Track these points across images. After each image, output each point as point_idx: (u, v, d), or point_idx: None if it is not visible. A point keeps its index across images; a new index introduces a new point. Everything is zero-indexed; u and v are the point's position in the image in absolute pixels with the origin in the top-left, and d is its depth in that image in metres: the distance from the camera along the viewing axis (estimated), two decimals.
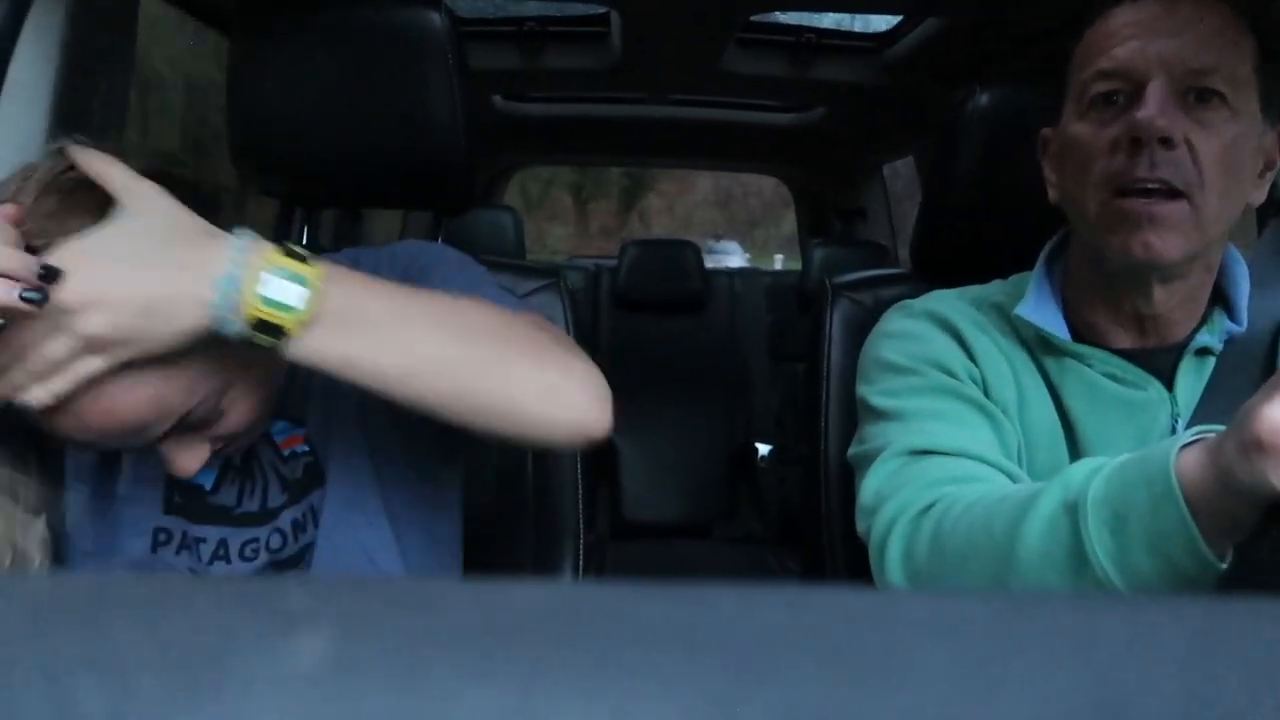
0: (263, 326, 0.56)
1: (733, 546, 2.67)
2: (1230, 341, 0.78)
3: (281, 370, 0.73)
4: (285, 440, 0.78)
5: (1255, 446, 0.49)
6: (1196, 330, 0.78)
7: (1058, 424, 0.79)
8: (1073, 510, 0.59)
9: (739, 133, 2.75)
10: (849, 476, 1.13)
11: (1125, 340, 0.79)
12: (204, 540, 0.75)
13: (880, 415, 0.81)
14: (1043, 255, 0.86)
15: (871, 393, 0.83)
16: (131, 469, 0.75)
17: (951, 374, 0.80)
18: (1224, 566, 0.54)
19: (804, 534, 1.17)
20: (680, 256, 3.01)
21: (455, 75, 0.94)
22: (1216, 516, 0.53)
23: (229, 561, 0.76)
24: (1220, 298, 0.80)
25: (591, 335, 2.95)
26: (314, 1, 0.95)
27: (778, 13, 1.94)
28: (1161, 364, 0.78)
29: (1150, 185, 0.69)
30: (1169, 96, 0.70)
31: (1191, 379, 0.77)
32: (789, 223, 3.71)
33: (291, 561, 0.77)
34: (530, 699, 0.15)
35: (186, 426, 0.65)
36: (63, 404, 0.57)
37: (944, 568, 0.67)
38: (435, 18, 0.93)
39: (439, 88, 0.94)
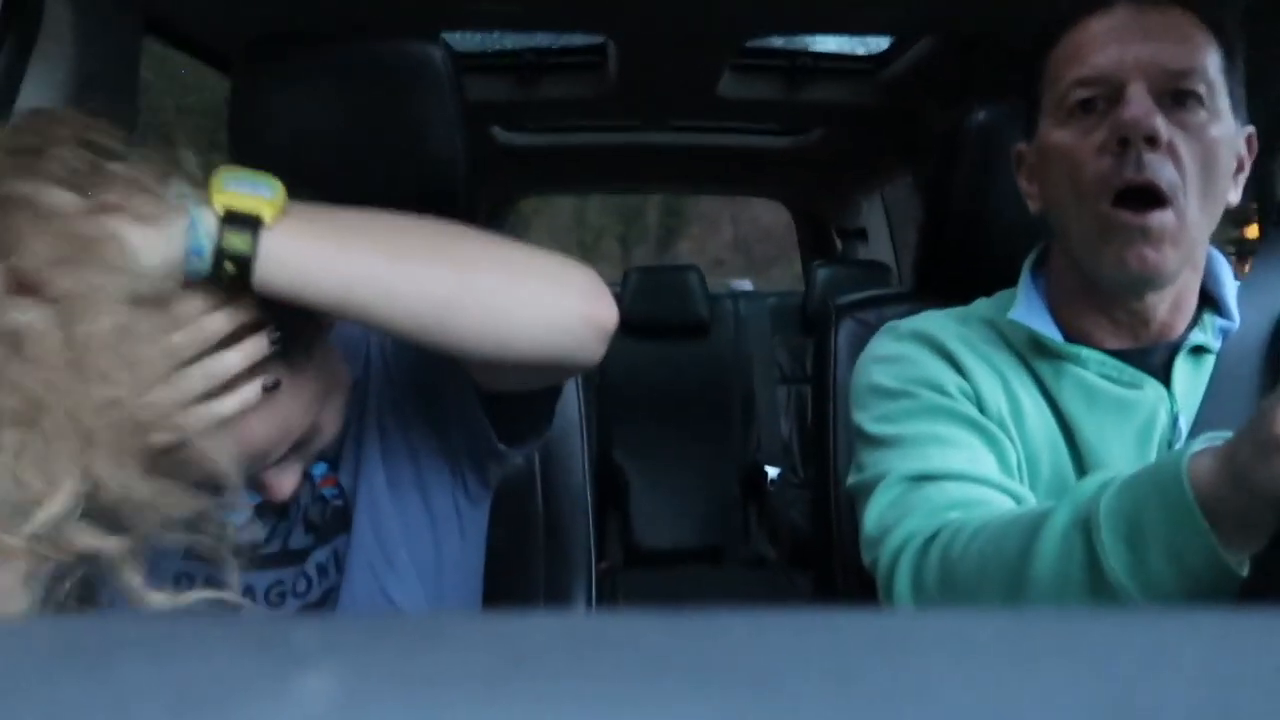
0: (235, 219, 0.52)
1: (746, 570, 2.65)
2: (1227, 338, 0.79)
3: (348, 383, 0.73)
4: (323, 480, 0.76)
5: (1275, 446, 0.49)
6: (1189, 329, 0.79)
7: (1057, 430, 0.79)
8: (1085, 526, 0.59)
9: (737, 157, 2.76)
10: None
11: (1119, 341, 0.79)
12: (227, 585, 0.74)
13: (877, 442, 0.80)
14: (1027, 265, 0.86)
15: (866, 420, 0.83)
16: None
17: (945, 393, 0.79)
18: (1244, 573, 0.54)
19: (815, 556, 1.16)
20: (683, 282, 3.01)
21: (456, 109, 0.95)
22: (1234, 521, 0.53)
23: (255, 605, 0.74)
24: (1207, 298, 0.80)
25: (598, 363, 2.95)
26: (314, 39, 0.96)
27: (772, 37, 1.96)
28: (1156, 362, 0.78)
29: (1139, 187, 0.69)
30: (1150, 98, 0.70)
31: (1189, 376, 0.77)
32: (798, 262, 3.71)
33: (315, 605, 0.75)
34: None
35: (294, 446, 0.64)
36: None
37: (955, 596, 0.66)
38: (435, 52, 0.94)
39: (440, 121, 0.95)
